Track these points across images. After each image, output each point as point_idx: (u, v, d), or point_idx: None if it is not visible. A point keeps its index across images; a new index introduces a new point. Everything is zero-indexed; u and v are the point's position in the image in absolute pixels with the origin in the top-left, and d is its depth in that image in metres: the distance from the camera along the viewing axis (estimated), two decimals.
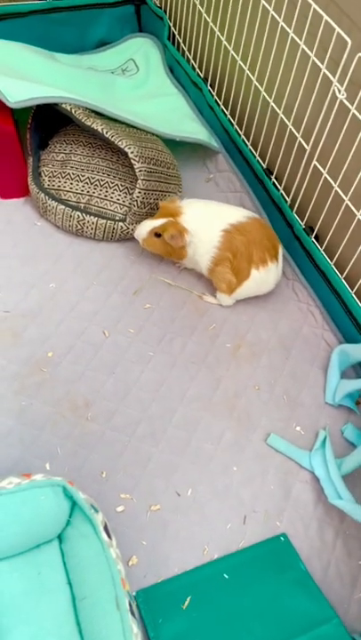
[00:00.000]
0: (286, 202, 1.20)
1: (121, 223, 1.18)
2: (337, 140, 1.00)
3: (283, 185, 1.21)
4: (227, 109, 1.35)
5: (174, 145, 1.36)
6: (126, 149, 1.12)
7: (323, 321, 1.16)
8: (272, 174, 1.24)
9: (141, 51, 1.57)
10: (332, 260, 1.11)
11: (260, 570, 0.88)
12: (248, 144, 1.29)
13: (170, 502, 0.94)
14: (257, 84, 1.20)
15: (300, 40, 1.02)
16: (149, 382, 1.06)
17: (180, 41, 1.48)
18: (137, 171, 1.13)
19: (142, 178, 1.14)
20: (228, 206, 1.16)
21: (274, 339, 1.16)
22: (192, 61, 1.44)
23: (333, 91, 0.97)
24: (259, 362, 1.12)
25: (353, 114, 0.94)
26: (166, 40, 1.50)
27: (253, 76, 1.21)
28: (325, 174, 1.06)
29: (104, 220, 1.17)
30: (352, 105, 0.94)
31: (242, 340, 1.15)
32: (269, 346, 1.15)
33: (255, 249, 1.09)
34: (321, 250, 1.13)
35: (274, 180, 1.23)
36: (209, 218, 1.11)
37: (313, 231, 1.15)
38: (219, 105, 1.36)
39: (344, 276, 1.10)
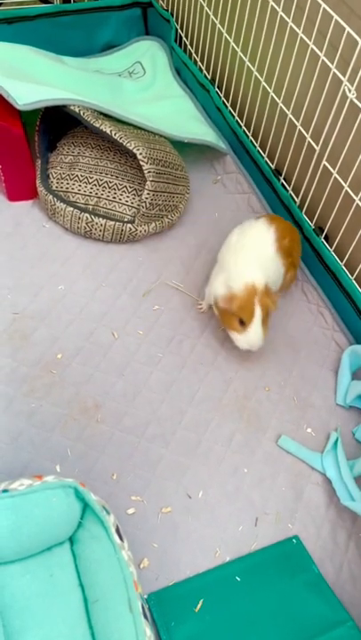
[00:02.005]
0: (295, 202, 1.20)
1: (129, 225, 1.18)
2: (347, 140, 1.00)
3: (292, 185, 1.21)
4: (234, 111, 1.35)
5: (182, 147, 1.36)
6: (135, 151, 1.12)
7: (333, 322, 1.16)
8: (281, 175, 1.23)
9: (148, 53, 1.57)
10: (342, 261, 1.11)
11: (273, 572, 0.87)
12: (256, 145, 1.29)
13: (181, 504, 0.93)
14: (265, 85, 1.20)
15: (310, 40, 1.02)
16: (159, 384, 1.06)
17: (187, 43, 1.48)
18: (146, 172, 1.13)
19: (151, 179, 1.13)
20: (257, 230, 1.08)
21: (284, 340, 1.15)
22: (199, 63, 1.44)
23: (344, 90, 0.96)
24: (268, 363, 1.12)
25: None
26: (173, 42, 1.50)
27: (261, 76, 1.21)
28: (335, 174, 1.05)
29: (112, 222, 1.17)
30: None
31: None
32: (279, 347, 1.14)
33: (294, 244, 1.11)
34: (331, 250, 1.13)
35: (283, 180, 1.23)
36: (261, 259, 1.04)
37: (323, 232, 1.14)
38: (226, 106, 1.36)
39: (355, 276, 1.09)
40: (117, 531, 0.79)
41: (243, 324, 0.99)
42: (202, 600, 0.84)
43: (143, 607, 0.75)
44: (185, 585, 0.85)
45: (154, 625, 0.82)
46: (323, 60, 1.00)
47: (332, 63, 0.98)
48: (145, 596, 0.84)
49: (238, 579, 0.86)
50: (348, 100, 0.96)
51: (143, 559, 0.87)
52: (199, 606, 0.83)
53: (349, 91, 0.94)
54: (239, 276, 0.99)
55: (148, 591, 0.85)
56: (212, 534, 0.91)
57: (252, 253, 1.04)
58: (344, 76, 0.95)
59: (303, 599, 0.84)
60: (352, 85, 0.94)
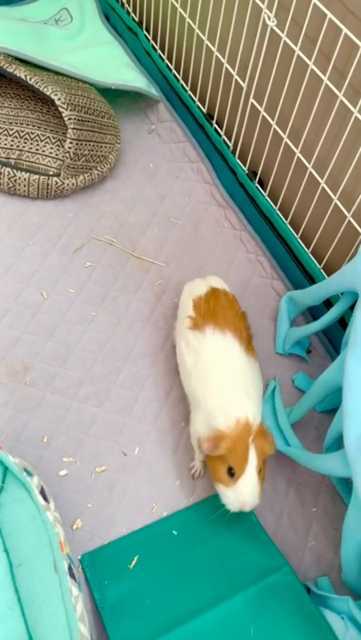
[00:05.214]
0: (228, 147, 1.15)
1: (55, 178, 1.11)
2: (271, 74, 0.94)
3: (224, 129, 1.15)
4: (163, 54, 1.28)
5: (114, 96, 1.29)
6: (52, 96, 1.05)
7: (272, 270, 1.12)
8: (213, 119, 1.18)
9: None
10: (276, 205, 1.07)
11: (210, 524, 0.85)
12: (187, 89, 1.23)
13: (116, 463, 0.91)
14: (190, 22, 1.13)
15: None
16: (92, 342, 1.02)
17: None
18: (66, 119, 1.06)
19: (72, 127, 1.07)
20: (212, 341, 0.88)
21: None
22: (126, 6, 1.36)
23: (263, 19, 0.91)
24: None
25: (284, 42, 0.89)
26: None
27: (186, 13, 1.14)
28: (263, 112, 1.00)
29: (37, 176, 1.10)
30: (283, 32, 0.88)
31: None
32: None
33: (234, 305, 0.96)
34: (265, 195, 1.09)
35: (215, 125, 1.17)
36: (241, 377, 0.85)
37: (256, 176, 1.10)
38: (156, 50, 1.29)
39: (289, 220, 1.05)
40: (42, 492, 0.76)
41: (232, 474, 0.77)
42: (137, 557, 0.82)
43: (71, 567, 0.72)
44: (120, 543, 0.83)
45: (87, 585, 0.80)
46: None
47: None
48: (79, 557, 0.82)
49: (175, 533, 0.84)
50: (269, 29, 0.90)
51: (76, 520, 0.85)
52: (134, 563, 0.81)
53: (269, 18, 0.89)
54: (225, 412, 0.78)
55: (82, 552, 0.82)
56: (148, 490, 0.89)
57: (230, 377, 0.83)
58: (263, 3, 0.89)
59: (240, 548, 0.83)
60: (271, 12, 0.88)
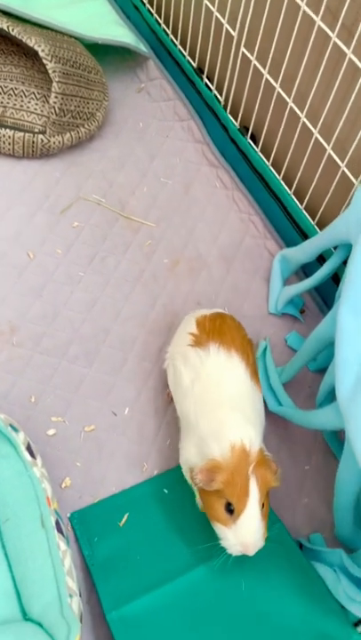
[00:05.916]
0: (220, 102, 1.11)
1: (41, 135, 1.08)
2: (262, 19, 0.91)
3: (215, 84, 1.12)
4: (152, 8, 1.23)
5: (102, 55, 1.24)
6: (36, 47, 1.01)
7: (264, 229, 1.10)
8: (203, 74, 1.14)
9: None
10: (268, 160, 1.04)
11: None
12: (177, 43, 1.19)
13: (105, 422, 0.89)
14: None
15: None
16: (80, 303, 0.99)
17: None
18: (50, 71, 1.02)
19: (57, 80, 1.03)
20: (214, 361, 0.80)
21: (214, 252, 1.09)
22: None
23: None
24: (198, 277, 1.06)
25: None
26: None
27: None
28: (254, 61, 0.96)
29: (22, 133, 1.07)
30: None
31: (180, 256, 1.08)
32: (209, 259, 1.08)
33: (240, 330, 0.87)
34: (257, 150, 1.05)
35: (205, 79, 1.14)
36: (240, 401, 0.77)
37: (248, 131, 1.06)
38: (144, 4, 1.24)
39: (282, 175, 1.02)
40: (29, 448, 0.74)
41: (231, 511, 0.68)
42: (127, 514, 0.80)
43: (59, 523, 0.71)
44: (110, 501, 0.82)
45: (76, 543, 0.78)
46: None
47: None
48: (68, 515, 0.81)
49: (166, 491, 0.83)
50: None
51: (65, 479, 0.84)
52: (124, 521, 0.80)
53: None
54: (219, 437, 0.70)
55: (71, 510, 0.81)
56: (138, 450, 0.88)
57: (229, 399, 0.75)
58: None
59: None
60: None
